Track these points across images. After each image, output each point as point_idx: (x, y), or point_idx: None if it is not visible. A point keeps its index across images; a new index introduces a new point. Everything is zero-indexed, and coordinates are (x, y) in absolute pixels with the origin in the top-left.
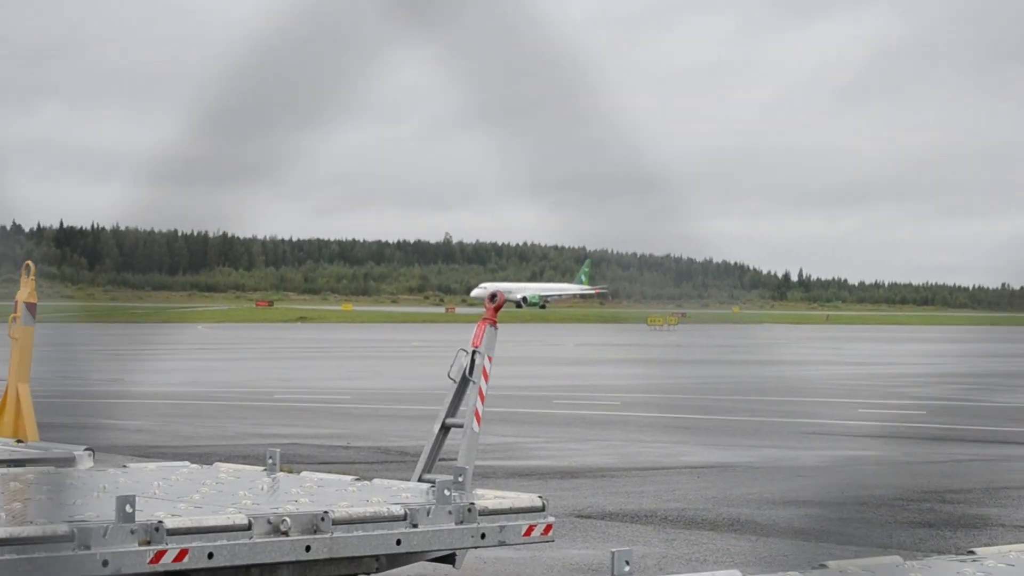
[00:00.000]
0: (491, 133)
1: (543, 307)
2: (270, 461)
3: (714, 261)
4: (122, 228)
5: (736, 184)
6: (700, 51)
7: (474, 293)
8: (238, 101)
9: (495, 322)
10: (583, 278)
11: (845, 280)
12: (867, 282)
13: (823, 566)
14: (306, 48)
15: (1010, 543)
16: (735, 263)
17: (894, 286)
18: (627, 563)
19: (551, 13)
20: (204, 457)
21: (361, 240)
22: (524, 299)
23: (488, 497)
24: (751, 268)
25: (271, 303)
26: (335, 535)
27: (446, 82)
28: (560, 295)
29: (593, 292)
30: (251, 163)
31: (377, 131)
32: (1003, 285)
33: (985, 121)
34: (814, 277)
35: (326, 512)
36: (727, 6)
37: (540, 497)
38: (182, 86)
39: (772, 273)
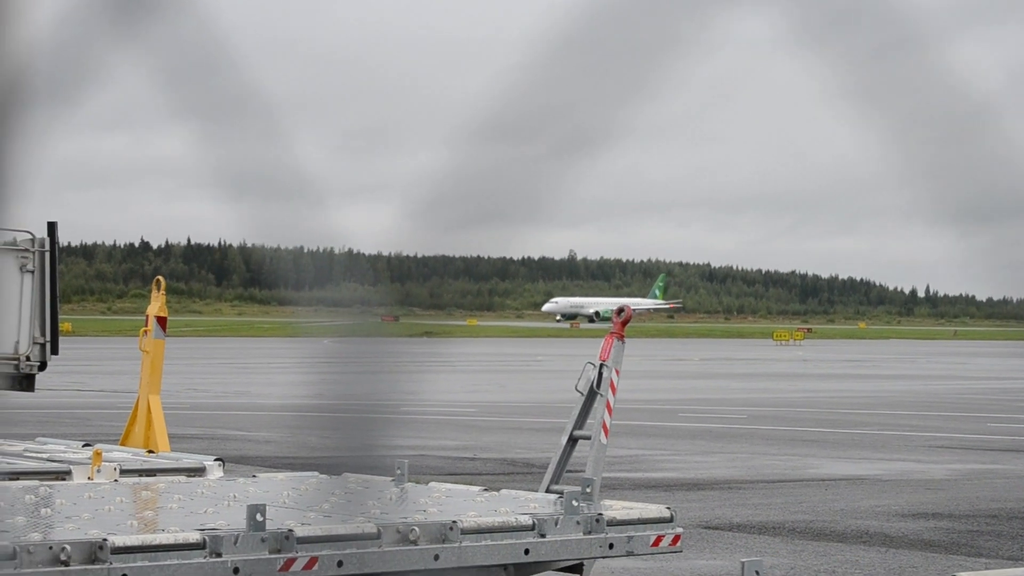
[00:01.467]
0: (619, 151)
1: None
2: (398, 471)
3: (840, 277)
4: (248, 245)
5: (865, 202)
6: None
7: (546, 308)
8: (369, 120)
9: (623, 336)
10: (657, 292)
11: (973, 296)
12: (995, 298)
13: None
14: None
15: None
16: (861, 279)
17: (1023, 302)
18: (757, 573)
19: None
20: (333, 468)
21: (486, 256)
22: (597, 313)
23: (616, 508)
24: (877, 284)
25: (396, 318)
26: (463, 544)
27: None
28: (635, 310)
29: (667, 306)
30: (380, 181)
31: (498, 151)
32: None
33: None
34: (941, 293)
35: (454, 521)
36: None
37: (668, 508)
38: (308, 107)
39: (899, 289)
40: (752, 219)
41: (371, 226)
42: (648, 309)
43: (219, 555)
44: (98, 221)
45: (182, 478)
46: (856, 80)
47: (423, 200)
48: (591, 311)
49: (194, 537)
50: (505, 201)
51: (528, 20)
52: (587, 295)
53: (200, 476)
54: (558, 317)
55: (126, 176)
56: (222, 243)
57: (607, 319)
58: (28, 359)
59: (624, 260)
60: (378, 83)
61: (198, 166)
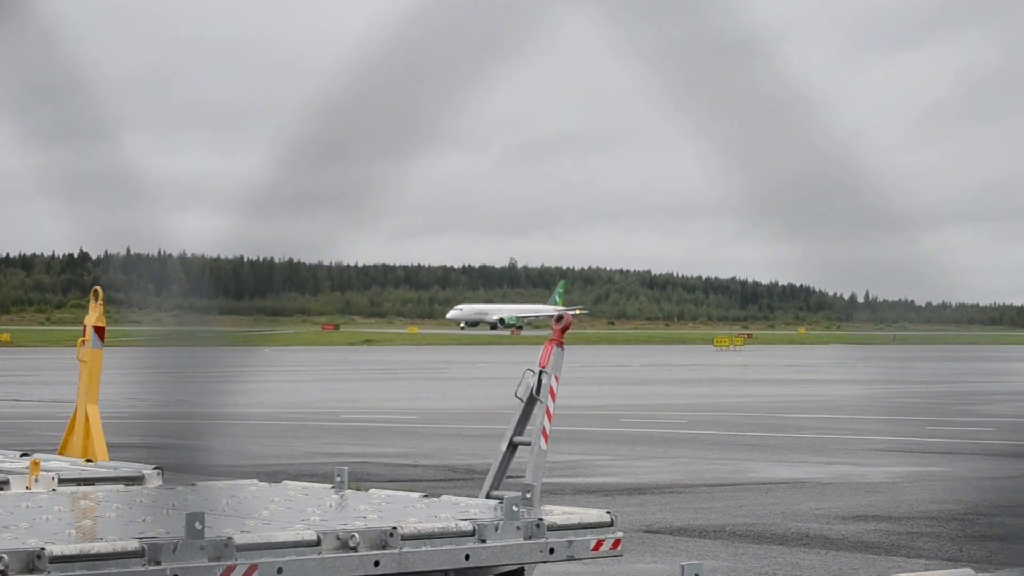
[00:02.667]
0: (562, 161)
1: (520, 328)
2: (338, 479)
3: (779, 283)
4: (188, 255)
5: (809, 210)
6: (786, 80)
7: (450, 315)
8: (317, 131)
9: (562, 343)
10: (557, 299)
11: (912, 301)
12: (935, 303)
13: None
14: (387, 79)
15: None
16: (800, 285)
17: (962, 307)
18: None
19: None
20: (272, 475)
21: (426, 265)
22: (501, 320)
23: (556, 512)
24: (817, 290)
25: (337, 326)
26: (404, 550)
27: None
28: (537, 316)
29: (544, 313)
30: (324, 192)
31: (449, 160)
32: None
33: None
34: (880, 298)
35: (394, 528)
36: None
37: (608, 512)
38: (263, 118)
39: (838, 295)
40: (702, 225)
41: (310, 236)
42: (550, 315)
43: (158, 563)
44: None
45: (121, 487)
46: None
47: (367, 209)
48: (494, 318)
49: (133, 545)
50: (448, 210)
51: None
52: (528, 302)
53: (139, 485)
54: (462, 324)
55: (64, 187)
56: (161, 253)
57: (512, 326)
58: None
59: (565, 268)
60: (324, 91)
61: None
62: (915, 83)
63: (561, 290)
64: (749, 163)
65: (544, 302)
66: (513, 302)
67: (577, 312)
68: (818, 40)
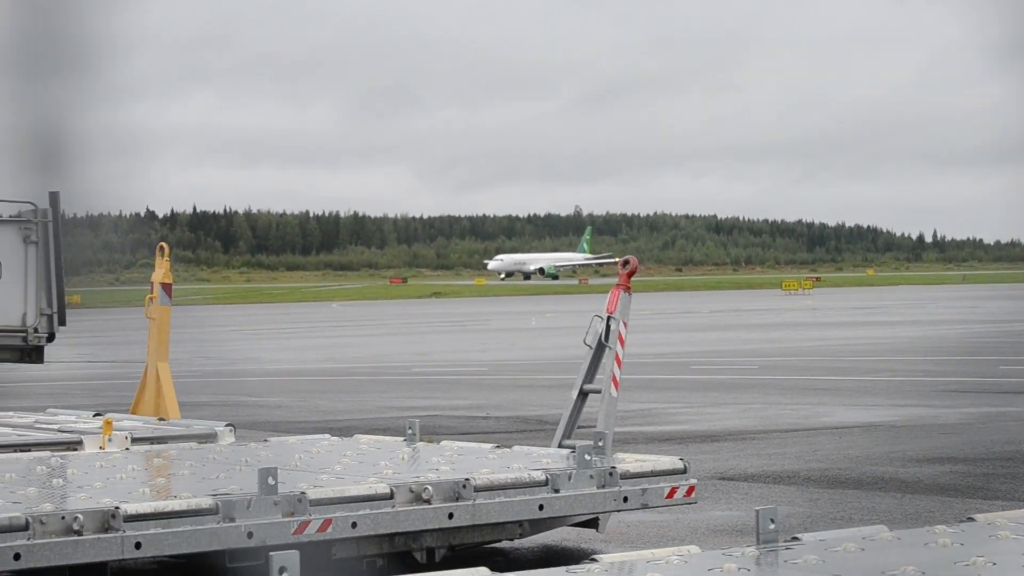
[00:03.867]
0: (621, 104)
1: (556, 278)
2: (410, 431)
3: (847, 225)
4: (254, 211)
5: (879, 148)
6: (850, 16)
7: (490, 266)
8: (378, 83)
9: (629, 287)
10: (585, 247)
11: (980, 240)
12: (1003, 241)
13: (971, 519)
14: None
15: None
16: (868, 226)
17: None
18: (772, 521)
19: None
20: (344, 430)
21: (492, 215)
22: (541, 270)
23: (629, 461)
24: (885, 231)
25: (405, 280)
26: (477, 502)
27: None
28: (570, 265)
29: (595, 261)
30: (390, 144)
31: (515, 108)
32: None
33: None
34: (949, 237)
35: (467, 479)
36: None
37: (681, 459)
38: (324, 71)
39: (906, 235)
40: (769, 168)
41: (377, 189)
42: (579, 264)
43: (232, 520)
44: (102, 191)
45: (193, 445)
46: (878, 24)
47: (435, 160)
48: (533, 268)
49: (207, 503)
50: (515, 159)
51: None
52: (594, 251)
53: (211, 442)
54: (502, 275)
55: (131, 146)
56: (228, 210)
57: (552, 276)
58: (36, 331)
59: (630, 215)
60: (393, 42)
61: (210, 133)
62: (981, 18)
63: (588, 237)
64: (817, 102)
65: (593, 249)
66: (578, 251)
67: (600, 260)
68: None
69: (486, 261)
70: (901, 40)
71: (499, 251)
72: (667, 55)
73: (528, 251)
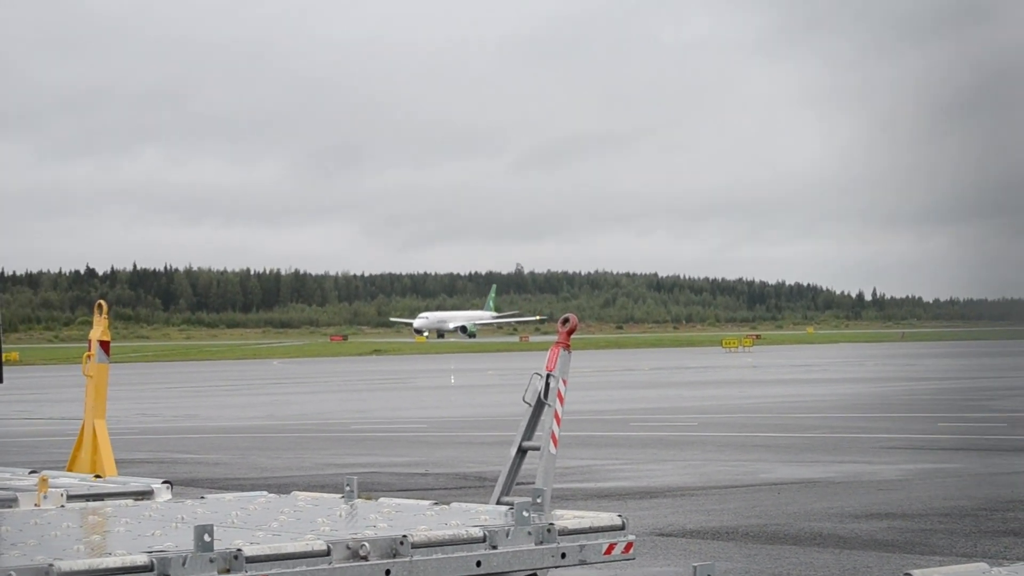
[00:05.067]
0: (569, 162)
1: (473, 336)
2: (347, 488)
3: (787, 283)
4: (195, 268)
5: (823, 208)
6: (802, 78)
7: (416, 324)
8: (326, 142)
9: (568, 345)
10: (491, 303)
11: (920, 298)
12: (942, 299)
13: (908, 575)
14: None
15: None
16: (808, 284)
17: (969, 302)
18: None
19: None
20: (282, 487)
21: (433, 273)
22: (463, 327)
23: (567, 517)
24: (824, 288)
25: (345, 337)
26: (415, 558)
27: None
28: (489, 323)
29: (501, 320)
30: (335, 202)
31: (460, 167)
32: None
33: None
34: (888, 296)
35: (405, 536)
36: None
37: (619, 516)
38: (274, 129)
39: (846, 293)
40: (713, 227)
41: (319, 247)
42: (487, 323)
43: None
44: (43, 248)
45: (129, 502)
46: (828, 85)
47: (379, 218)
48: (452, 326)
49: (142, 560)
50: (459, 217)
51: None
52: (535, 308)
53: (148, 499)
54: (426, 334)
55: (71, 204)
56: (168, 267)
57: (472, 334)
58: None
59: (571, 272)
60: (347, 102)
61: (158, 191)
62: (932, 76)
63: (493, 295)
64: (765, 162)
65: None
66: (519, 307)
67: (502, 320)
68: (845, 30)
69: (409, 320)
70: (850, 99)
71: (440, 308)
72: (617, 114)
73: (450, 309)
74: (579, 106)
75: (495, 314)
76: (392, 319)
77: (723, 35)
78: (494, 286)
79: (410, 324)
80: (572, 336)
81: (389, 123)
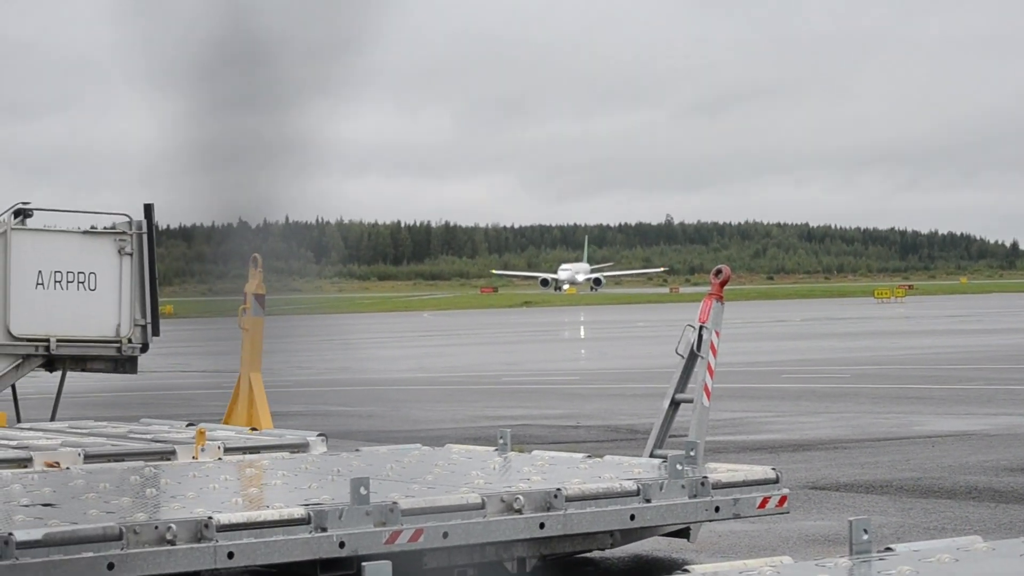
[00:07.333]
0: (733, 112)
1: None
2: (501, 441)
3: (939, 232)
4: (346, 222)
5: (982, 157)
6: (972, 23)
7: (561, 275)
8: (491, 94)
9: (721, 297)
10: (585, 256)
11: None
12: None
13: None
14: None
15: None
16: (961, 233)
17: None
18: (865, 532)
19: None
20: (435, 440)
21: (583, 224)
22: (597, 280)
23: (721, 470)
24: (978, 238)
25: (495, 289)
26: (568, 512)
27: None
28: (582, 274)
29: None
30: (496, 155)
31: (617, 119)
32: None
33: None
34: None
35: (559, 489)
36: None
37: (773, 469)
38: (440, 81)
39: (999, 242)
40: (871, 178)
41: (475, 198)
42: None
43: (324, 530)
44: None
45: (285, 454)
46: (1001, 34)
47: (538, 170)
48: (582, 279)
49: (299, 512)
50: (617, 168)
51: None
52: (685, 259)
53: (303, 452)
54: (566, 286)
55: (232, 157)
56: (320, 220)
57: (559, 287)
58: (130, 341)
59: (721, 223)
60: (511, 55)
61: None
62: None
63: (587, 247)
64: (931, 109)
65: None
66: (671, 258)
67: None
68: None
69: (517, 273)
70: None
71: (589, 259)
72: (784, 62)
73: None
74: (747, 55)
75: (589, 267)
76: (494, 271)
77: None
78: (587, 237)
79: (518, 277)
80: (724, 287)
81: (553, 75)
